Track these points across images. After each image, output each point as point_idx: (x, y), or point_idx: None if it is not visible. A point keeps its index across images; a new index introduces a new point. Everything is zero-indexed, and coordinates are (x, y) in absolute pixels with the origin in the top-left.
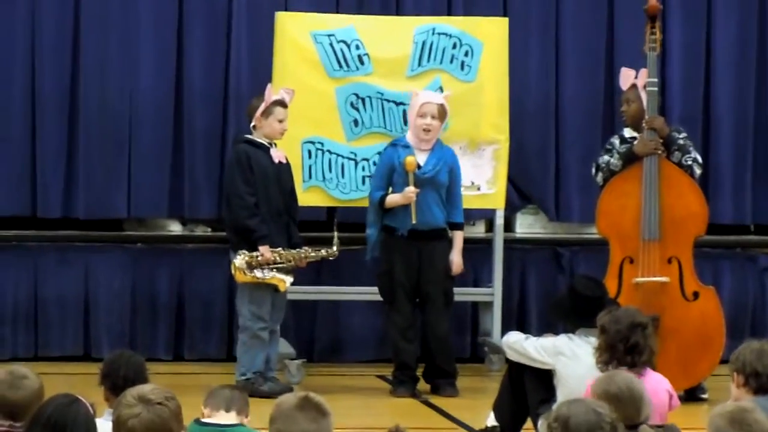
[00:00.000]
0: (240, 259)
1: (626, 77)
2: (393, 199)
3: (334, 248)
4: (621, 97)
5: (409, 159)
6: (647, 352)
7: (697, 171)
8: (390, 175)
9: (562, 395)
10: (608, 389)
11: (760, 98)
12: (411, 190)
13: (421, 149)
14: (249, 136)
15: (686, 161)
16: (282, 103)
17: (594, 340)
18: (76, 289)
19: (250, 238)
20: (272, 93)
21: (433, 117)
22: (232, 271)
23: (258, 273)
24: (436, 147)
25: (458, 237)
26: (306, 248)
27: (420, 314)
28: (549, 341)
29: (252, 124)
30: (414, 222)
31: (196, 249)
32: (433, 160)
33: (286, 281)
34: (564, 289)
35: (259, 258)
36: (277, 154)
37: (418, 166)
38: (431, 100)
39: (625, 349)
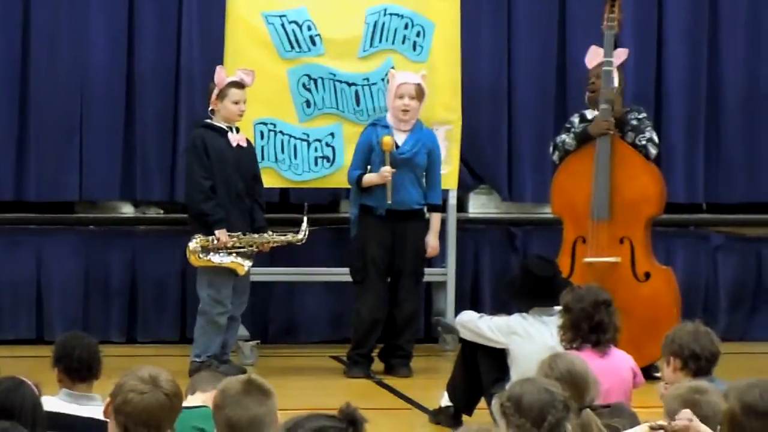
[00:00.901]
0: (194, 243)
1: (594, 55)
2: (369, 178)
3: (301, 234)
4: (588, 73)
5: (386, 139)
6: (611, 330)
7: (653, 151)
8: (368, 154)
9: (515, 374)
10: (549, 374)
11: (712, 77)
12: (387, 170)
13: (401, 129)
14: (208, 121)
15: (640, 141)
16: (237, 85)
17: (547, 319)
18: (28, 272)
19: (207, 222)
20: (225, 75)
21: (411, 97)
22: (187, 255)
23: (214, 257)
24: (416, 128)
25: (435, 219)
26: (270, 233)
27: (389, 293)
28: (503, 320)
29: (210, 108)
30: (389, 202)
31: (148, 231)
32: (411, 141)
33: (244, 265)
34: (517, 268)
35: (215, 242)
36: (235, 138)
37: (396, 146)
38: (408, 81)
39: (589, 328)
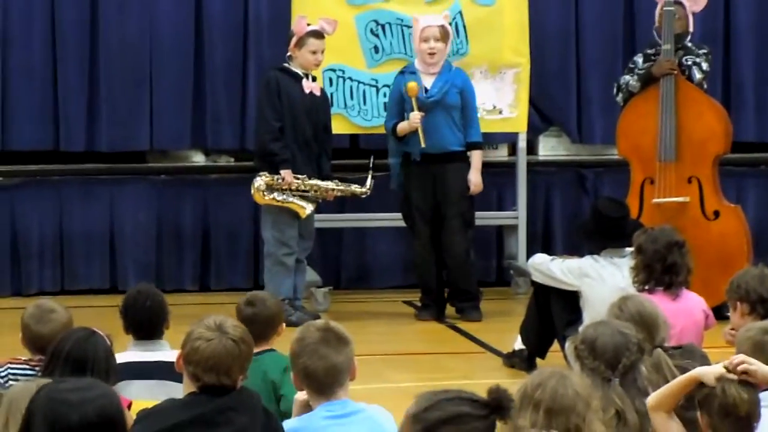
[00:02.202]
0: (260, 180)
1: None
2: (402, 126)
3: (366, 187)
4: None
5: (410, 84)
6: (684, 272)
7: (697, 75)
8: (401, 103)
9: (588, 317)
10: (619, 316)
11: None
12: (415, 115)
13: (429, 73)
14: (285, 65)
15: (686, 61)
16: (317, 34)
17: (619, 261)
18: (101, 222)
19: (273, 161)
20: (305, 24)
21: (436, 40)
22: (252, 192)
23: (278, 195)
24: (444, 69)
25: (476, 156)
26: (336, 182)
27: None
28: (574, 263)
29: (288, 53)
30: (423, 146)
31: (219, 179)
32: (440, 83)
33: (306, 208)
34: (588, 211)
35: (280, 181)
36: (309, 85)
37: (426, 90)
38: (432, 23)
39: (662, 269)
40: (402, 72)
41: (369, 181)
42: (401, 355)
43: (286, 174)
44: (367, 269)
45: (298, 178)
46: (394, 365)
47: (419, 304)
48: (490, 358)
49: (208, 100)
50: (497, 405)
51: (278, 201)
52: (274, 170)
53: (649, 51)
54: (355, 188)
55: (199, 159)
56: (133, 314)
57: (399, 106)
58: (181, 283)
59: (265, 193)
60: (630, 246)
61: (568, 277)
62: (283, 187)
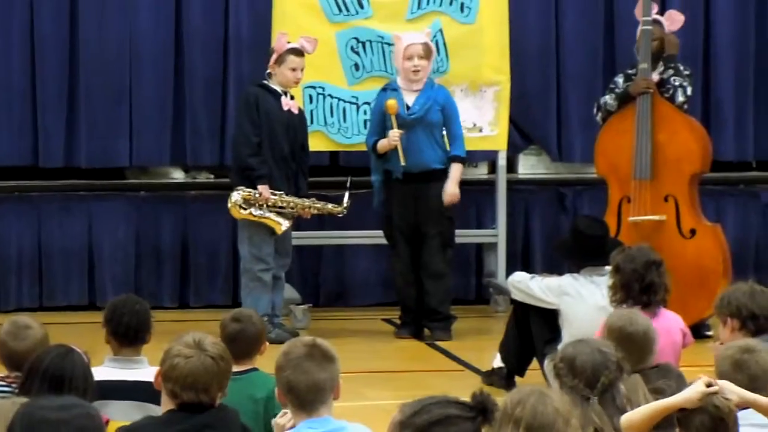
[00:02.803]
0: (237, 195)
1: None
2: (381, 143)
3: (343, 206)
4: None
5: (389, 102)
6: (662, 291)
7: (680, 98)
8: (383, 119)
9: (567, 335)
10: (626, 327)
11: (761, 33)
12: (393, 133)
13: (412, 90)
14: (264, 81)
15: (674, 81)
16: (297, 52)
17: (598, 279)
18: (80, 238)
19: (251, 176)
20: (286, 41)
21: (420, 57)
22: (229, 206)
23: (254, 211)
24: (426, 87)
25: (455, 169)
26: (313, 199)
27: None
28: (554, 281)
29: (267, 70)
30: (403, 164)
31: (199, 196)
32: (422, 100)
33: (282, 224)
34: (567, 229)
35: (257, 196)
36: (287, 103)
37: (407, 107)
38: (415, 41)
39: (640, 288)
40: (384, 89)
41: (346, 200)
42: (380, 373)
43: (264, 189)
44: (346, 287)
45: (275, 194)
46: (373, 383)
47: (398, 321)
48: (469, 376)
49: (187, 116)
50: (482, 408)
51: (255, 216)
52: (252, 185)
53: (629, 71)
54: (331, 207)
55: (178, 175)
56: (120, 317)
57: (380, 124)
58: (160, 299)
59: (242, 207)
60: (609, 264)
61: (548, 296)
62: (260, 203)
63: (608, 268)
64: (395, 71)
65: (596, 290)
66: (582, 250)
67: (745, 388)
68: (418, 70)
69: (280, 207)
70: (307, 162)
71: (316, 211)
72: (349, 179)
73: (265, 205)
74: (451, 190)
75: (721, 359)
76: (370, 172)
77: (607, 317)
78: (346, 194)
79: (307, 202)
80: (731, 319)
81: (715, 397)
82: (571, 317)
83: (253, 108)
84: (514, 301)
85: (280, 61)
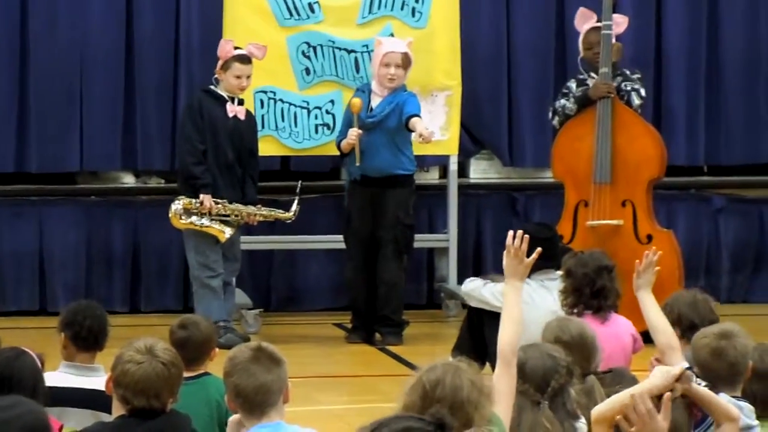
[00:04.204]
0: (177, 204)
1: (584, 17)
2: (343, 143)
3: (291, 212)
4: (584, 39)
5: (354, 101)
6: (613, 296)
7: (636, 101)
8: (351, 120)
9: (521, 340)
10: (560, 336)
11: (712, 39)
12: (352, 132)
13: (383, 96)
14: (210, 87)
15: (625, 86)
16: (242, 59)
17: (549, 284)
18: (30, 243)
19: (194, 185)
20: (231, 48)
21: (397, 66)
22: (170, 216)
23: (196, 220)
24: (394, 92)
25: (416, 121)
26: (259, 206)
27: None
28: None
29: (214, 75)
30: (357, 164)
31: (150, 201)
32: (384, 105)
33: (225, 232)
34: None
35: (198, 205)
36: (234, 109)
37: (371, 110)
38: (395, 50)
39: (591, 293)
40: (357, 90)
41: (294, 206)
42: (332, 378)
43: (205, 198)
44: (297, 291)
45: (218, 203)
46: (325, 388)
47: (350, 326)
48: None
49: (138, 121)
50: (440, 423)
51: (196, 225)
52: (196, 194)
53: (581, 76)
54: (279, 213)
55: (129, 180)
56: (82, 321)
57: (349, 124)
58: (111, 304)
59: (183, 216)
60: (559, 269)
61: (501, 301)
62: (202, 212)
63: (559, 272)
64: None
65: (548, 294)
66: (530, 253)
67: (725, 375)
68: (394, 79)
69: (224, 215)
70: (256, 167)
71: (262, 218)
72: (298, 184)
73: (207, 214)
74: (426, 131)
75: (699, 348)
76: (320, 177)
77: (542, 331)
78: (296, 200)
79: (252, 209)
80: (672, 327)
81: (676, 407)
82: (524, 322)
83: (197, 114)
84: (467, 306)
85: (225, 67)
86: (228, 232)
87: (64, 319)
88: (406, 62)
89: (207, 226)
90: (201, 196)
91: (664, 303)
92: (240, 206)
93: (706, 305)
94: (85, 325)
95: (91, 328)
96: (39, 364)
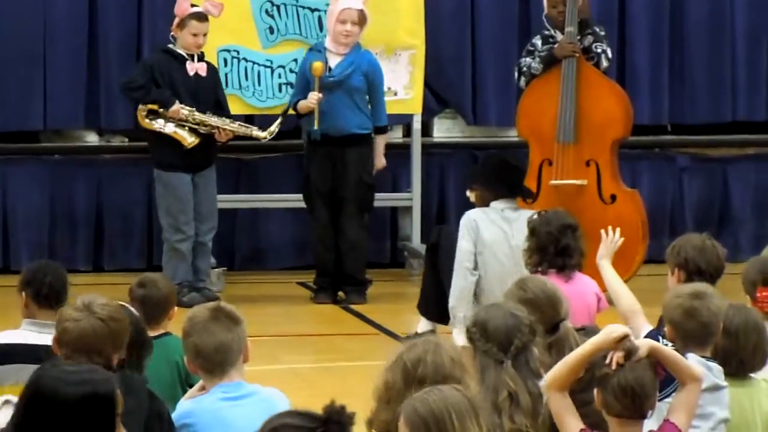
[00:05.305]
0: (141, 106)
1: None
2: (301, 104)
3: (268, 132)
4: None
5: (316, 64)
6: (577, 255)
7: (604, 63)
8: (307, 80)
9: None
10: (523, 296)
11: None
12: (312, 95)
13: (339, 53)
14: (169, 47)
15: (596, 48)
16: (199, 16)
17: (511, 215)
18: None
19: (162, 105)
20: (188, 5)
21: (353, 23)
22: (138, 120)
23: (162, 123)
24: (352, 51)
25: (379, 141)
26: (233, 120)
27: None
28: (464, 228)
29: (171, 34)
30: (315, 128)
31: (113, 159)
32: (344, 65)
33: (187, 139)
34: (485, 161)
35: (166, 113)
36: (194, 67)
37: (330, 70)
38: (351, 6)
39: (555, 251)
40: (311, 49)
41: (273, 127)
42: (295, 337)
43: (174, 107)
44: (261, 250)
45: (190, 110)
46: (288, 347)
47: (313, 285)
48: (384, 340)
49: (101, 80)
50: (328, 419)
51: (155, 127)
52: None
53: (546, 32)
54: (254, 130)
55: (92, 139)
56: (42, 278)
57: (304, 84)
58: (74, 263)
59: (149, 117)
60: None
61: (469, 236)
62: (170, 117)
63: (526, 212)
64: (310, 32)
65: (505, 226)
66: (505, 180)
67: (697, 336)
68: (349, 35)
69: (194, 123)
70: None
71: (232, 133)
72: (283, 109)
73: (173, 120)
74: (379, 164)
75: (672, 307)
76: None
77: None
78: (278, 120)
79: (223, 120)
80: (678, 270)
81: (638, 364)
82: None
83: (149, 71)
84: (427, 249)
85: (182, 25)
86: (191, 139)
87: (24, 278)
88: (362, 19)
89: (169, 131)
90: (170, 111)
91: (672, 244)
92: (211, 117)
93: (714, 251)
94: (46, 282)
95: (52, 285)
96: None
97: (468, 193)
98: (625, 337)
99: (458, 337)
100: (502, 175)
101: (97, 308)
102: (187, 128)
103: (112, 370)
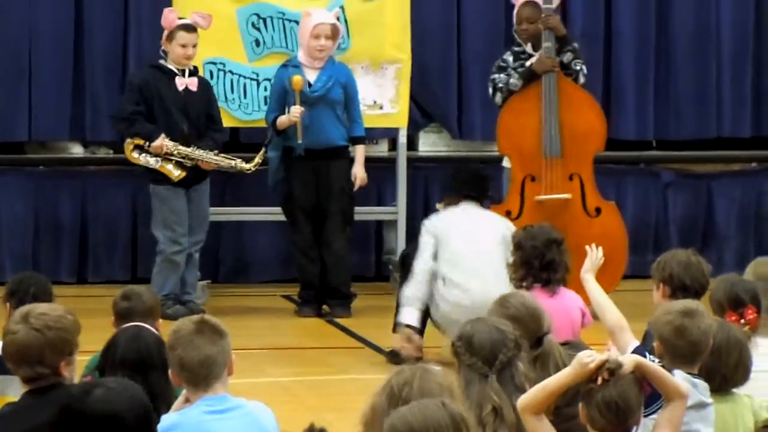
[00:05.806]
0: (128, 140)
1: None
2: (281, 120)
3: (252, 164)
4: (517, 13)
5: (296, 78)
6: (562, 269)
7: (582, 80)
8: (284, 95)
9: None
10: (506, 312)
11: (662, 13)
12: (295, 109)
13: (314, 67)
14: (160, 62)
15: (575, 65)
16: (187, 28)
17: (474, 211)
18: None
19: (146, 139)
20: (175, 17)
21: (327, 38)
22: (126, 155)
23: (148, 158)
24: (328, 64)
25: (360, 151)
26: (217, 152)
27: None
28: (424, 228)
29: (161, 48)
30: (299, 142)
31: (98, 171)
32: (324, 78)
33: (174, 173)
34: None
35: (148, 146)
36: (184, 81)
37: (309, 85)
38: (324, 21)
39: (540, 266)
40: (285, 65)
41: (258, 158)
42: (280, 350)
43: (158, 141)
44: (245, 263)
45: (174, 145)
46: (272, 360)
47: (298, 299)
48: (368, 354)
49: (87, 91)
50: None
51: (141, 162)
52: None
53: (517, 48)
54: (238, 163)
55: (77, 151)
56: (27, 288)
57: (281, 100)
58: (58, 275)
59: (135, 152)
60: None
61: (428, 234)
62: (155, 152)
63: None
64: (297, 46)
65: (465, 219)
66: (473, 185)
67: (686, 354)
68: (323, 50)
69: (180, 157)
70: (218, 131)
71: (215, 166)
72: (268, 137)
73: (158, 155)
74: (360, 174)
75: (662, 324)
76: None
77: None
78: (261, 152)
79: (207, 154)
80: (663, 285)
81: (623, 380)
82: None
83: (137, 92)
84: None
85: (170, 37)
86: (177, 173)
87: (8, 288)
88: (335, 33)
89: (156, 166)
90: (153, 145)
91: (658, 259)
92: (195, 150)
93: (699, 267)
94: (30, 293)
95: (36, 296)
96: None
97: (437, 205)
98: (602, 364)
99: (407, 315)
100: (465, 179)
101: (33, 318)
102: (173, 162)
103: (60, 376)
